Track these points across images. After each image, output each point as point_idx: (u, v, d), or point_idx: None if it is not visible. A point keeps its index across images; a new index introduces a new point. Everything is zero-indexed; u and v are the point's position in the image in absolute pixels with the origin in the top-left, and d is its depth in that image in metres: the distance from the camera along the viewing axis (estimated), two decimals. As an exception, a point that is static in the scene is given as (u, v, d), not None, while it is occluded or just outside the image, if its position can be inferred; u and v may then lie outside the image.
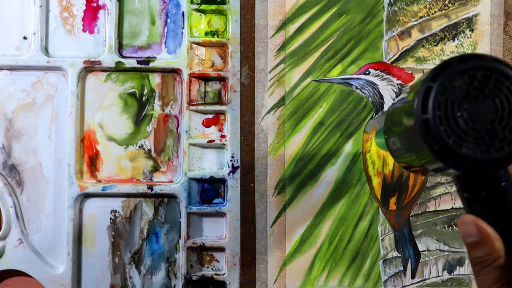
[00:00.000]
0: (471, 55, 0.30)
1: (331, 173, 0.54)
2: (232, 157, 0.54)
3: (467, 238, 0.31)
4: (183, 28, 0.55)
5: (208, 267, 0.54)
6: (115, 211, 0.54)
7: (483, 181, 0.31)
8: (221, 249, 0.54)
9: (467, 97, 0.30)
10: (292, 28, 0.54)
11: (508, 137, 0.30)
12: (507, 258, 0.31)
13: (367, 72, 0.54)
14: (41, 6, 0.53)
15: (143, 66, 0.54)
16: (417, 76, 0.54)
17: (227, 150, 0.54)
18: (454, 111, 0.29)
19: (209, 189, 0.54)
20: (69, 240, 0.52)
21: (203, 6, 0.54)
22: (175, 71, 0.54)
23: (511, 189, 0.31)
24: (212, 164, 0.54)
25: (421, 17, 0.54)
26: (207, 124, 0.54)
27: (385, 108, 0.54)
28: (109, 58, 0.53)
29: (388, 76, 0.54)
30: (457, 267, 0.54)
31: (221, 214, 0.54)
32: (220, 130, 0.54)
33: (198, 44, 0.54)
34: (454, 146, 0.29)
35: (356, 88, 0.54)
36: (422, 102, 0.30)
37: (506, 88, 0.30)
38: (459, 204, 0.54)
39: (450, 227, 0.54)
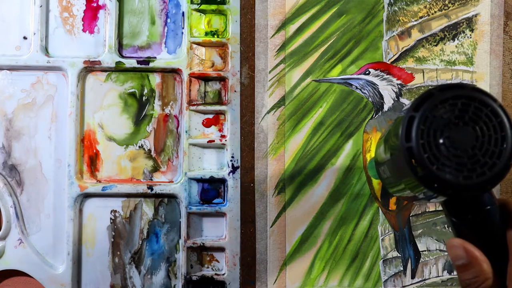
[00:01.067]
0: (451, 85, 0.32)
1: (331, 173, 0.54)
2: (232, 157, 0.54)
3: (456, 261, 0.32)
4: (183, 28, 0.55)
5: (208, 267, 0.54)
6: (115, 211, 0.54)
7: (469, 205, 0.32)
8: (221, 249, 0.54)
9: (448, 125, 0.31)
10: (292, 28, 0.54)
11: (489, 162, 0.31)
12: (495, 279, 0.31)
13: (367, 72, 0.54)
14: (41, 6, 0.53)
15: (143, 66, 0.54)
16: (417, 76, 0.54)
17: (227, 150, 0.54)
18: (437, 139, 0.31)
19: (209, 189, 0.54)
20: (69, 240, 0.52)
21: (203, 6, 0.54)
22: (175, 71, 0.54)
23: (496, 212, 0.32)
24: (212, 164, 0.54)
25: (421, 17, 0.54)
26: (207, 124, 0.54)
27: (385, 108, 0.54)
28: (109, 58, 0.53)
29: (388, 76, 0.54)
30: (457, 267, 0.54)
31: (221, 214, 0.54)
32: (220, 130, 0.54)
33: (198, 44, 0.54)
34: (437, 172, 0.30)
35: (356, 88, 0.54)
36: (406, 131, 0.31)
37: (485, 115, 0.31)
38: (459, 204, 0.54)
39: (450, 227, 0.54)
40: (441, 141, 0.31)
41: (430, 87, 0.54)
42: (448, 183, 0.30)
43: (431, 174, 0.30)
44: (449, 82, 0.53)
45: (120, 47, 0.55)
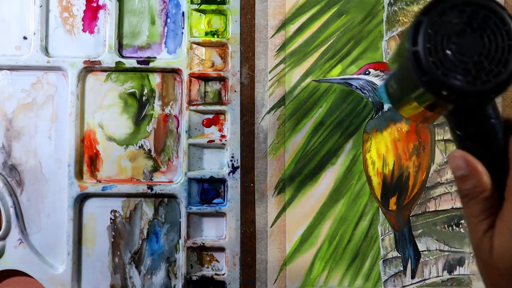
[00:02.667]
0: None
1: (331, 173, 0.54)
2: (232, 157, 0.54)
3: (457, 172, 0.33)
4: (183, 28, 0.55)
5: (208, 267, 0.54)
6: (115, 211, 0.54)
7: (473, 117, 0.33)
8: (221, 249, 0.54)
9: (456, 31, 0.31)
10: (292, 28, 0.54)
11: (494, 70, 0.31)
12: (493, 192, 0.32)
13: (367, 72, 0.54)
14: (41, 6, 0.53)
15: (143, 66, 0.54)
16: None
17: (227, 150, 0.54)
18: (443, 44, 0.31)
19: (209, 189, 0.54)
20: (69, 240, 0.52)
21: (203, 6, 0.54)
22: (175, 71, 0.54)
23: (500, 126, 0.33)
24: (212, 164, 0.54)
25: (421, 17, 0.54)
26: (207, 124, 0.54)
27: (385, 108, 0.54)
28: (109, 58, 0.53)
29: (388, 76, 0.54)
30: (457, 267, 0.54)
31: (221, 214, 0.54)
32: (220, 130, 0.54)
33: (198, 44, 0.54)
34: (442, 77, 0.30)
35: (356, 88, 0.54)
36: (413, 35, 0.31)
37: (493, 23, 0.31)
38: (459, 204, 0.54)
39: (450, 227, 0.54)
40: (447, 46, 0.31)
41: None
42: (452, 88, 0.30)
43: (436, 79, 0.31)
44: None
45: (120, 47, 0.55)
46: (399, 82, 0.36)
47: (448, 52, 0.31)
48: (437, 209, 0.54)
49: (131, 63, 0.53)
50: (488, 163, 0.32)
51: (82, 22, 0.54)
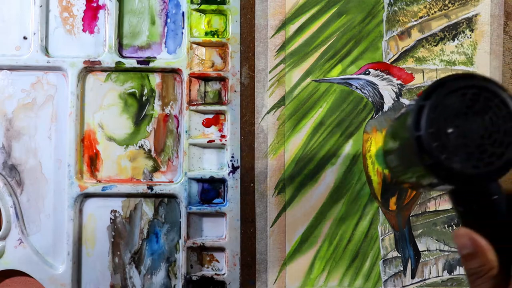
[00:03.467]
0: (462, 75, 0.32)
1: (331, 173, 0.54)
2: (232, 157, 0.54)
3: (462, 250, 0.32)
4: (183, 28, 0.55)
5: (208, 267, 0.54)
6: (115, 211, 0.54)
7: (475, 194, 0.32)
8: (221, 249, 0.54)
9: (458, 114, 0.31)
10: (292, 28, 0.54)
11: (497, 152, 0.31)
12: (500, 268, 0.31)
13: (367, 72, 0.54)
14: (41, 6, 0.53)
15: (143, 66, 0.54)
16: (417, 76, 0.54)
17: (227, 150, 0.54)
18: (446, 128, 0.31)
19: (209, 189, 0.54)
20: (69, 240, 0.52)
21: (203, 6, 0.54)
22: (175, 71, 0.54)
23: (503, 202, 0.32)
24: (212, 164, 0.54)
25: (421, 17, 0.54)
26: (207, 124, 0.54)
27: (385, 108, 0.54)
28: (109, 58, 0.53)
29: (388, 76, 0.54)
30: (457, 267, 0.54)
31: (221, 214, 0.54)
32: (220, 130, 0.54)
33: (198, 44, 0.54)
34: (446, 161, 0.31)
35: (356, 88, 0.54)
36: (415, 120, 0.31)
37: (495, 105, 0.31)
38: (459, 204, 0.54)
39: (450, 227, 0.54)
40: (450, 130, 0.31)
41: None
42: (456, 172, 0.31)
43: (439, 163, 0.31)
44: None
45: (120, 47, 0.55)
46: (400, 160, 0.36)
47: (451, 135, 0.31)
48: (437, 209, 0.54)
49: (131, 63, 0.54)
50: (492, 239, 0.32)
51: (82, 22, 0.54)
